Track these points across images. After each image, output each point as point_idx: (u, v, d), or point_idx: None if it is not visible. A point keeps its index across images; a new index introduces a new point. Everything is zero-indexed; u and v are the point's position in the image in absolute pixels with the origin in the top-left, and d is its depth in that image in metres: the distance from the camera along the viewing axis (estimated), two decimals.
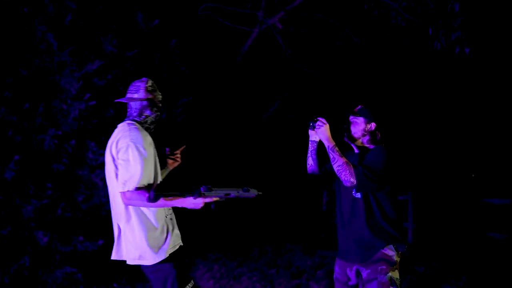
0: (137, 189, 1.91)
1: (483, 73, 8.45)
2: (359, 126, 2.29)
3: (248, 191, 2.12)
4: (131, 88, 2.14)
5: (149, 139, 2.06)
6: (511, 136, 10.34)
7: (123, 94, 2.25)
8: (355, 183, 2.09)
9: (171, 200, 1.95)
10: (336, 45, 8.33)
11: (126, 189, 1.92)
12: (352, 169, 2.10)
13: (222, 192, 2.02)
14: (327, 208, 7.60)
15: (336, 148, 2.16)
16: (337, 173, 2.12)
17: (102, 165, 4.27)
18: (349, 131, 2.32)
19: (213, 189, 1.98)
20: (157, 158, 2.13)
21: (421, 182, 10.61)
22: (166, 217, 2.09)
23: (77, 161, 4.26)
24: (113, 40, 4.54)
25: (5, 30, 4.12)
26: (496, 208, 6.77)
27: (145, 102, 2.11)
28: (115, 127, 2.18)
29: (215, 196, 1.99)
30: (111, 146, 2.08)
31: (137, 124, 2.08)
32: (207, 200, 1.97)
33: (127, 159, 1.95)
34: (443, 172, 11.65)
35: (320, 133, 2.23)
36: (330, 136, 2.21)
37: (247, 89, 8.07)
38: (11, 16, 4.12)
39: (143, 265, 2.04)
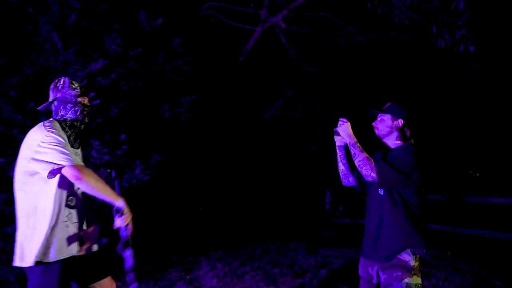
0: (72, 166, 1.87)
1: (488, 71, 8.40)
2: (385, 123, 2.31)
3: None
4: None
5: (64, 135, 2.02)
6: None
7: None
8: (376, 178, 2.10)
9: (108, 189, 1.93)
10: (339, 43, 8.32)
11: (62, 164, 1.87)
12: (373, 163, 2.11)
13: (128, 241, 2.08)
14: (330, 206, 7.59)
15: (358, 144, 2.19)
16: (358, 168, 2.14)
17: (106, 164, 4.29)
18: (377, 128, 2.34)
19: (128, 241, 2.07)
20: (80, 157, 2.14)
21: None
22: (63, 220, 2.02)
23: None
24: (116, 39, 4.55)
25: (10, 30, 4.15)
26: (502, 208, 6.74)
27: (56, 102, 2.11)
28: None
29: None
30: (22, 147, 2.03)
31: (55, 123, 2.06)
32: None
33: (52, 142, 1.90)
34: (447, 170, 11.61)
35: (342, 130, 2.27)
36: (352, 133, 2.24)
37: (250, 88, 8.08)
38: (16, 16, 4.15)
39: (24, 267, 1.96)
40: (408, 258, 2.10)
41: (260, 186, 8.57)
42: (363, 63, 8.44)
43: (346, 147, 2.46)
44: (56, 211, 1.98)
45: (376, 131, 2.35)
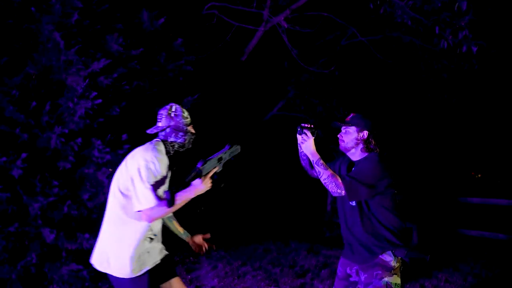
0: (150, 209, 2.00)
1: (491, 72, 8.38)
2: (351, 136, 2.30)
3: (232, 147, 2.28)
4: (157, 116, 2.25)
5: (165, 161, 2.13)
6: None
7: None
8: (343, 193, 2.10)
9: (183, 193, 2.03)
10: (342, 44, 8.31)
11: (144, 208, 2.00)
12: (339, 180, 2.11)
13: (215, 160, 2.14)
14: (332, 207, 7.58)
15: (321, 161, 2.17)
16: (324, 185, 2.15)
17: (107, 163, 4.29)
18: (343, 141, 2.32)
19: (206, 159, 2.10)
20: (168, 180, 2.18)
21: (425, 181, 10.54)
22: (145, 240, 2.15)
23: (83, 159, 4.29)
24: (119, 39, 4.56)
25: (13, 29, 4.16)
26: (503, 209, 6.71)
27: (168, 130, 2.20)
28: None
29: (212, 167, 2.12)
30: (128, 157, 2.18)
31: (162, 145, 2.18)
32: (209, 175, 2.10)
33: (141, 177, 2.02)
34: (448, 172, 11.58)
35: (305, 148, 2.24)
36: (315, 150, 2.22)
37: (252, 88, 8.08)
38: (19, 15, 4.16)
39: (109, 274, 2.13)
40: (389, 258, 2.15)
41: (261, 186, 8.57)
42: (366, 63, 8.42)
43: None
44: (145, 226, 2.11)
45: (341, 143, 2.34)
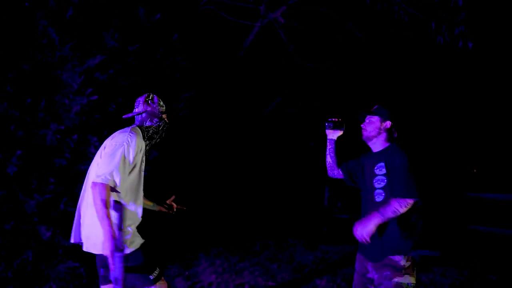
0: (105, 185, 1.99)
1: (487, 68, 8.40)
2: (374, 125, 2.33)
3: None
4: (135, 103, 2.41)
5: (141, 146, 2.21)
6: None
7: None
8: (402, 209, 2.02)
9: (110, 226, 1.98)
10: (339, 39, 8.29)
11: (98, 181, 2.01)
12: (395, 202, 2.03)
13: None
14: (329, 203, 7.60)
15: (391, 213, 2.04)
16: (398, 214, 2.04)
17: None
18: (366, 130, 2.36)
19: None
20: (142, 166, 2.26)
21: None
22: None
23: (80, 156, 4.26)
24: (115, 34, 4.52)
25: (7, 24, 4.10)
26: (499, 204, 6.76)
27: (144, 114, 2.35)
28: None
29: None
30: (107, 139, 2.26)
31: (138, 130, 2.30)
32: None
33: (113, 154, 2.07)
34: (446, 167, 11.63)
35: (366, 227, 2.06)
36: (375, 223, 2.03)
37: (249, 84, 8.05)
38: (13, 10, 4.11)
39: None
40: (398, 258, 2.11)
41: (259, 182, 8.56)
42: (363, 59, 8.42)
43: (336, 142, 2.56)
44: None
45: (364, 133, 2.36)
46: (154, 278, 2.21)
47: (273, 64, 8.31)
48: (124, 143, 2.11)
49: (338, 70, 8.28)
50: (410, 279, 2.09)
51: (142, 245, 2.22)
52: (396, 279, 2.08)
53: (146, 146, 2.31)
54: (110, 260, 1.98)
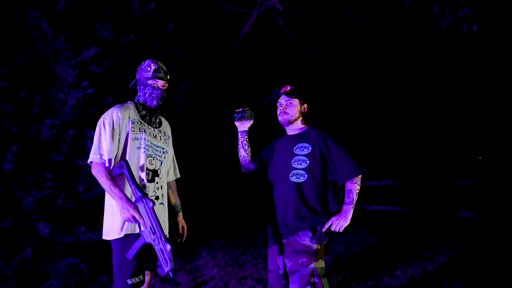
0: (97, 163, 2.00)
1: (492, 52, 8.24)
2: (295, 108, 2.27)
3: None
4: None
5: (124, 114, 2.08)
6: None
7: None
8: (359, 186, 2.13)
9: (121, 192, 1.94)
10: (338, 26, 8.13)
11: (89, 160, 2.04)
12: (352, 189, 2.12)
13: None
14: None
15: (353, 201, 2.13)
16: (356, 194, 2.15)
17: None
18: (287, 113, 2.26)
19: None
20: (138, 134, 2.11)
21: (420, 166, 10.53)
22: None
23: (76, 151, 4.19)
24: (108, 25, 4.40)
25: None
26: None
27: (137, 83, 2.23)
28: None
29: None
30: None
31: (129, 103, 2.19)
32: None
33: (95, 134, 2.06)
34: (447, 155, 11.56)
35: (345, 220, 2.14)
36: (348, 215, 2.12)
37: (247, 73, 7.93)
38: (2, 2, 3.98)
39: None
40: (311, 242, 2.11)
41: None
42: (363, 45, 8.27)
43: (248, 133, 2.43)
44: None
45: (284, 116, 2.27)
46: (132, 284, 1.94)
47: (272, 53, 8.17)
48: (101, 119, 2.08)
49: (338, 57, 8.14)
50: (322, 263, 2.11)
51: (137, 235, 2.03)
52: (312, 265, 2.07)
53: (144, 115, 2.17)
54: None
